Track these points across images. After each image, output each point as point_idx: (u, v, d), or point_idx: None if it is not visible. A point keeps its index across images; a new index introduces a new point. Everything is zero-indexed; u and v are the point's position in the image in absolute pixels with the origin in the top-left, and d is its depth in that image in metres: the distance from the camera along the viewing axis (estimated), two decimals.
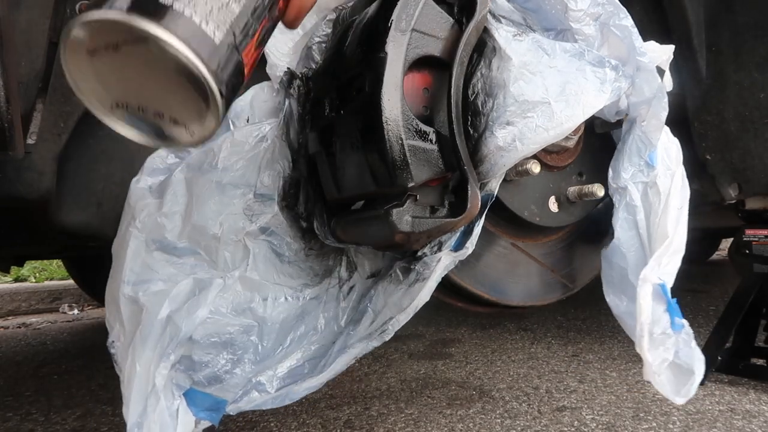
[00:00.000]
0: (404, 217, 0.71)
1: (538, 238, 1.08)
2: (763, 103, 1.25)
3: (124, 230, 0.83)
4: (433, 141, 0.73)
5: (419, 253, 0.87)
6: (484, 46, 0.79)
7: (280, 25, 0.58)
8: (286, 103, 0.88)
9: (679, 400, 0.82)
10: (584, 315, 2.54)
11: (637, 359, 1.17)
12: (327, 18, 0.90)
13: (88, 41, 0.43)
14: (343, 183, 0.80)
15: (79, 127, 0.78)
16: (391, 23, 0.70)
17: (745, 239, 1.61)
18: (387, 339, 0.88)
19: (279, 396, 0.88)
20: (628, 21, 0.81)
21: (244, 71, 0.50)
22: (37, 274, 4.43)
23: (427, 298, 0.86)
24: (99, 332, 2.76)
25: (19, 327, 3.04)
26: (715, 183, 1.36)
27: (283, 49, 0.90)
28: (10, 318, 3.35)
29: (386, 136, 0.69)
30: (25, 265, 2.85)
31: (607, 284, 0.93)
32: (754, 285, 1.59)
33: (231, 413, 0.88)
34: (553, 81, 0.76)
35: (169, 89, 0.45)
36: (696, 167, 1.36)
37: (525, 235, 1.06)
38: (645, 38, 0.84)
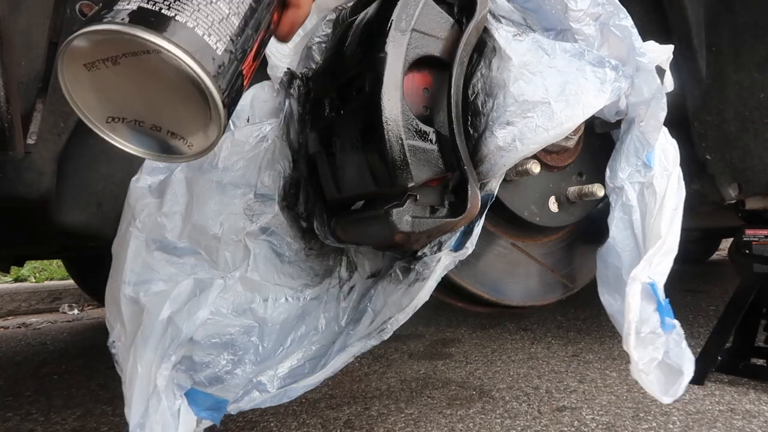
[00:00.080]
0: (404, 217, 0.71)
1: (538, 238, 1.08)
2: (763, 103, 1.25)
3: (124, 230, 0.83)
4: (433, 141, 0.73)
5: (419, 253, 0.87)
6: (484, 46, 0.79)
7: None
8: (287, 103, 0.88)
9: (666, 400, 0.82)
10: (584, 315, 2.54)
11: None
12: (327, 18, 0.90)
13: (87, 54, 0.43)
14: (343, 183, 0.80)
15: (79, 127, 0.78)
16: (391, 23, 0.70)
17: (745, 239, 1.61)
18: (386, 338, 0.88)
19: (278, 394, 0.88)
20: (627, 21, 0.81)
21: (244, 82, 0.50)
22: (37, 274, 4.43)
23: (427, 298, 0.86)
24: (99, 332, 2.76)
25: (19, 327, 3.04)
26: (715, 183, 1.36)
27: (284, 50, 0.90)
28: (10, 318, 3.35)
29: (386, 136, 0.69)
30: (25, 265, 2.85)
31: (602, 283, 0.93)
32: (754, 285, 1.59)
33: (232, 413, 0.88)
34: (553, 81, 0.76)
35: (169, 102, 0.45)
36: (696, 167, 1.36)
37: (525, 235, 1.06)
38: (645, 38, 0.84)
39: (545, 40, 0.79)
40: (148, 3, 0.43)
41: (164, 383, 0.78)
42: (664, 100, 0.85)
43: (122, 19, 0.41)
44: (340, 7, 0.91)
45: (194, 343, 0.83)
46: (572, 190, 1.00)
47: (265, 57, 0.87)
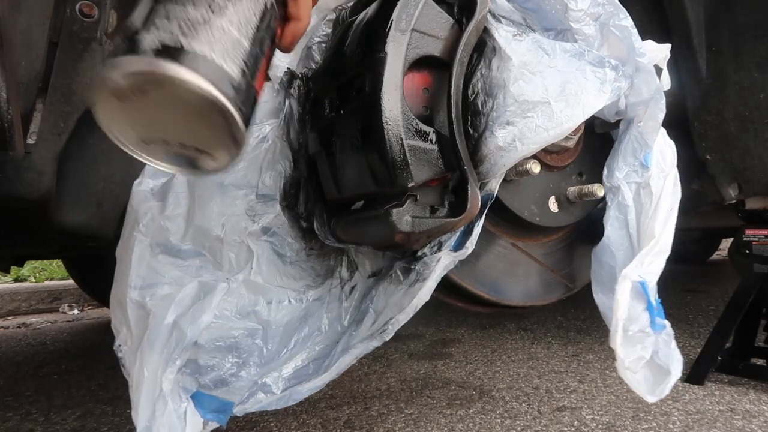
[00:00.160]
0: (404, 217, 0.71)
1: (538, 238, 1.08)
2: (763, 103, 1.25)
3: (128, 234, 0.83)
4: (433, 141, 0.73)
5: (419, 253, 0.87)
6: (484, 46, 0.79)
7: None
8: (287, 103, 0.88)
9: (651, 399, 0.83)
10: (584, 315, 2.54)
11: None
12: (327, 18, 0.90)
13: (117, 87, 0.47)
14: (343, 183, 0.80)
15: (79, 127, 0.78)
16: (391, 23, 0.70)
17: (745, 239, 1.61)
18: (387, 339, 0.88)
19: (283, 397, 0.89)
20: (627, 21, 0.81)
21: (257, 98, 0.55)
22: (37, 274, 4.43)
23: (427, 298, 0.86)
24: (99, 332, 2.76)
25: (19, 327, 3.04)
26: (715, 183, 1.36)
27: None
28: (10, 318, 3.35)
29: (386, 136, 0.69)
30: (25, 265, 2.85)
31: (596, 282, 0.94)
32: (754, 285, 1.59)
33: (238, 414, 0.88)
34: (553, 81, 0.76)
35: (194, 123, 0.50)
36: (696, 167, 1.36)
37: (525, 235, 1.06)
38: (645, 38, 0.84)
39: (545, 40, 0.79)
40: (170, 39, 0.47)
41: (170, 387, 0.79)
42: (663, 100, 0.85)
43: (148, 56, 0.46)
44: (340, 7, 0.91)
45: (199, 347, 0.84)
46: (572, 190, 1.00)
47: None
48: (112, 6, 0.78)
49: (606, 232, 0.92)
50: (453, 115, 0.72)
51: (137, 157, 0.53)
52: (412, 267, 0.87)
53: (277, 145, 0.87)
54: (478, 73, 0.78)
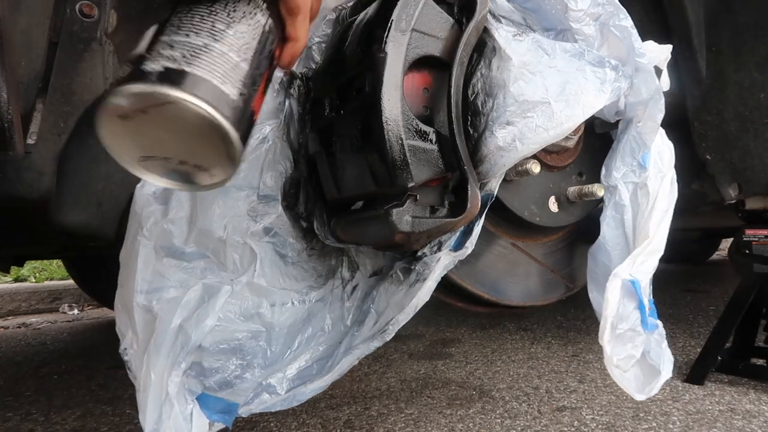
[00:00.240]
0: (404, 217, 0.71)
1: (538, 238, 1.08)
2: (763, 103, 1.25)
3: (132, 239, 0.83)
4: (433, 141, 0.73)
5: (419, 253, 0.87)
6: (484, 46, 0.79)
7: None
8: (287, 103, 0.89)
9: (640, 397, 0.84)
10: (584, 315, 2.54)
11: None
12: (327, 18, 0.90)
13: (120, 109, 0.49)
14: (343, 183, 0.80)
15: (79, 127, 0.78)
16: (391, 23, 0.70)
17: (745, 239, 1.61)
18: (388, 339, 0.88)
19: (288, 398, 0.89)
20: (627, 21, 0.81)
21: (255, 117, 0.58)
22: (37, 274, 4.43)
23: (427, 298, 0.86)
24: (99, 332, 2.76)
25: (19, 327, 3.04)
26: (715, 183, 1.36)
27: None
28: (10, 318, 3.35)
29: (386, 136, 0.69)
30: (25, 265, 2.85)
31: (592, 281, 0.94)
32: (754, 285, 1.59)
33: (243, 415, 0.88)
34: (553, 81, 0.76)
35: (193, 141, 0.52)
36: (696, 167, 1.36)
37: (525, 235, 1.06)
38: (645, 38, 0.84)
39: (545, 40, 0.79)
40: (171, 62, 0.50)
41: (176, 389, 0.80)
42: (662, 101, 0.85)
43: (151, 80, 0.49)
44: (340, 7, 0.91)
45: (203, 350, 0.84)
46: (572, 190, 1.00)
47: None
48: (112, 6, 0.78)
49: (602, 231, 0.92)
50: (453, 115, 0.72)
51: (137, 174, 0.56)
52: (412, 267, 0.87)
53: (277, 145, 0.87)
54: (478, 73, 0.78)
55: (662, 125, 0.90)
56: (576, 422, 1.28)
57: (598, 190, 0.96)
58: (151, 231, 0.82)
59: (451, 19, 0.76)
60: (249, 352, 0.88)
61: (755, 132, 1.27)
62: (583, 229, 1.10)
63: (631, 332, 0.83)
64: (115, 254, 0.87)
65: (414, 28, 0.72)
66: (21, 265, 2.31)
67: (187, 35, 0.52)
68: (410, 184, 0.70)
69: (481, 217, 0.82)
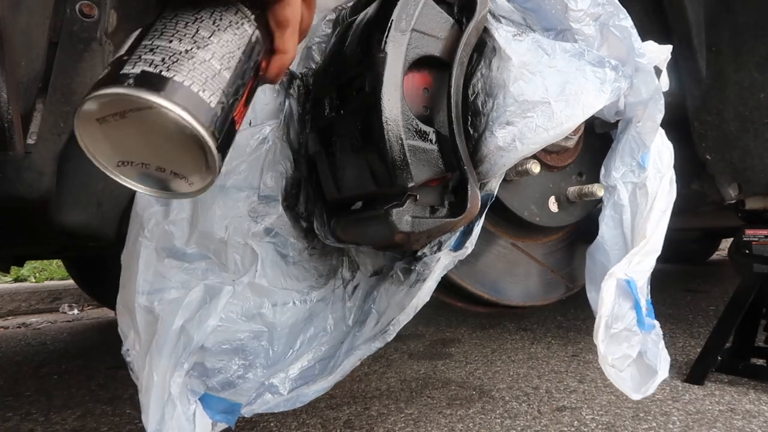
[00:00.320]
0: (404, 217, 0.71)
1: (538, 238, 1.08)
2: (763, 103, 1.25)
3: (133, 240, 0.83)
4: (433, 141, 0.73)
5: (419, 253, 0.87)
6: (484, 46, 0.79)
7: None
8: (287, 103, 0.89)
9: (636, 397, 0.83)
10: (584, 315, 2.54)
11: None
12: (327, 18, 0.90)
13: (98, 111, 0.49)
14: (343, 183, 0.80)
15: None
16: (391, 23, 0.70)
17: (745, 239, 1.61)
18: (389, 339, 0.89)
19: (291, 398, 0.90)
20: (627, 22, 0.81)
21: (236, 127, 0.57)
22: (37, 274, 4.43)
23: (427, 298, 0.86)
24: (99, 332, 2.76)
25: (19, 327, 3.04)
26: (715, 183, 1.36)
27: None
28: (10, 318, 3.35)
29: (386, 136, 0.69)
30: (25, 265, 2.85)
31: (590, 280, 0.94)
32: (754, 285, 1.59)
33: (246, 415, 0.89)
34: (553, 81, 0.76)
35: (171, 148, 0.51)
36: (696, 167, 1.36)
37: (525, 235, 1.06)
38: (645, 38, 0.84)
39: (545, 40, 0.79)
40: (150, 66, 0.49)
41: (178, 390, 0.80)
42: (662, 101, 0.85)
43: (128, 83, 0.48)
44: (340, 7, 0.91)
45: (205, 350, 0.85)
46: (572, 190, 1.00)
47: None
48: (112, 6, 0.78)
49: (601, 231, 0.92)
50: (453, 115, 0.72)
51: (114, 178, 0.55)
52: (412, 267, 0.87)
53: (277, 145, 0.87)
54: (478, 73, 0.78)
55: (662, 125, 0.90)
56: (576, 422, 1.28)
57: (598, 190, 0.96)
58: (152, 232, 0.82)
59: (451, 19, 0.76)
60: (251, 352, 0.88)
61: (755, 132, 1.27)
62: (583, 229, 1.10)
63: (627, 332, 0.83)
64: (115, 254, 0.87)
65: (414, 28, 0.72)
66: (21, 265, 2.31)
67: (170, 41, 0.51)
68: (410, 184, 0.70)
69: (481, 217, 0.82)
